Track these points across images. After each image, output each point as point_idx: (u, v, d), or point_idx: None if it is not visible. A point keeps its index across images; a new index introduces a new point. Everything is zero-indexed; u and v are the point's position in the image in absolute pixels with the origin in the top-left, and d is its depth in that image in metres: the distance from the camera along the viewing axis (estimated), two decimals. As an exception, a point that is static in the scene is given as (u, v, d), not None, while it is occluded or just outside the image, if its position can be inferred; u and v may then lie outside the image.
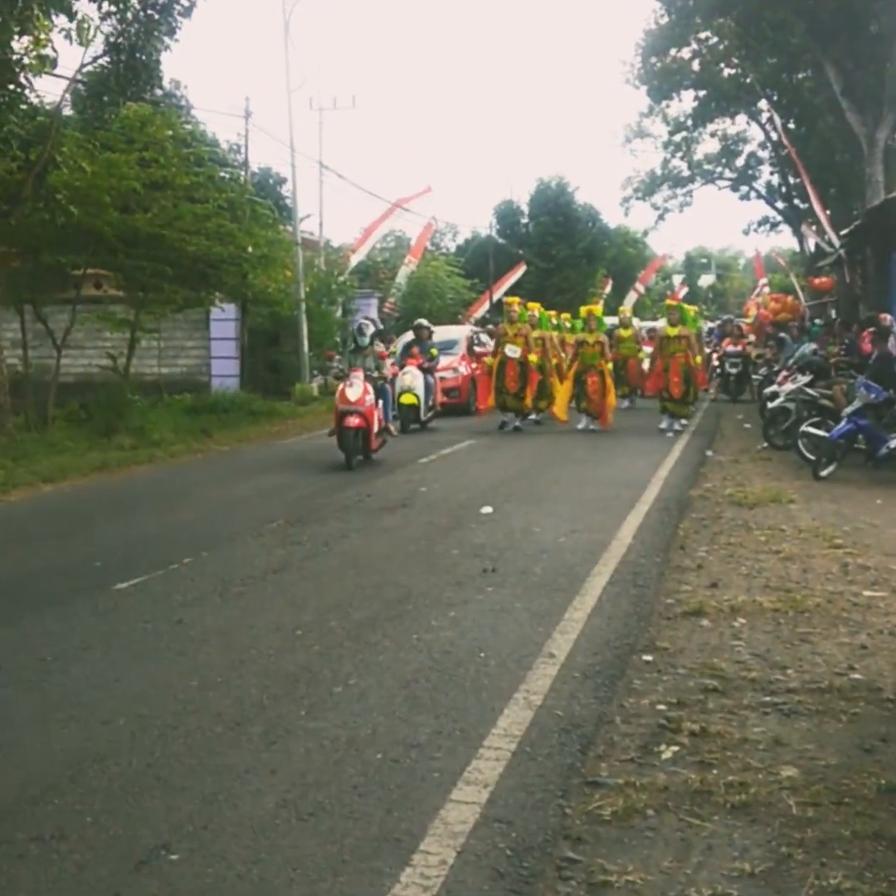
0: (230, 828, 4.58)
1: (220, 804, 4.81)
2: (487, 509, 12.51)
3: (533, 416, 24.66)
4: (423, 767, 5.15)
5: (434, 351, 24.81)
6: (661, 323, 29.60)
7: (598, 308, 24.62)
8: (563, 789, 4.90)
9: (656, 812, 4.65)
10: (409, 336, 26.47)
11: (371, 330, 18.86)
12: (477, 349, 29.37)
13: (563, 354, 25.49)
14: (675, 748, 5.34)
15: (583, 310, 24.76)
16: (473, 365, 27.69)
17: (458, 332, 30.89)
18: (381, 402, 17.80)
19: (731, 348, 31.14)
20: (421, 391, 23.54)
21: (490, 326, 34.09)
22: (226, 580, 9.28)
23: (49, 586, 9.20)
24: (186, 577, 9.53)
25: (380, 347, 18.75)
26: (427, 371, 23.91)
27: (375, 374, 17.82)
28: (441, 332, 28.53)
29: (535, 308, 25.18)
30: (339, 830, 4.53)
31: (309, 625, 7.77)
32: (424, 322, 26.17)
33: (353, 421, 16.60)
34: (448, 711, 5.93)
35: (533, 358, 23.36)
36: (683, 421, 22.58)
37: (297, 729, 5.69)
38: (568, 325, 27.69)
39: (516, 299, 24.82)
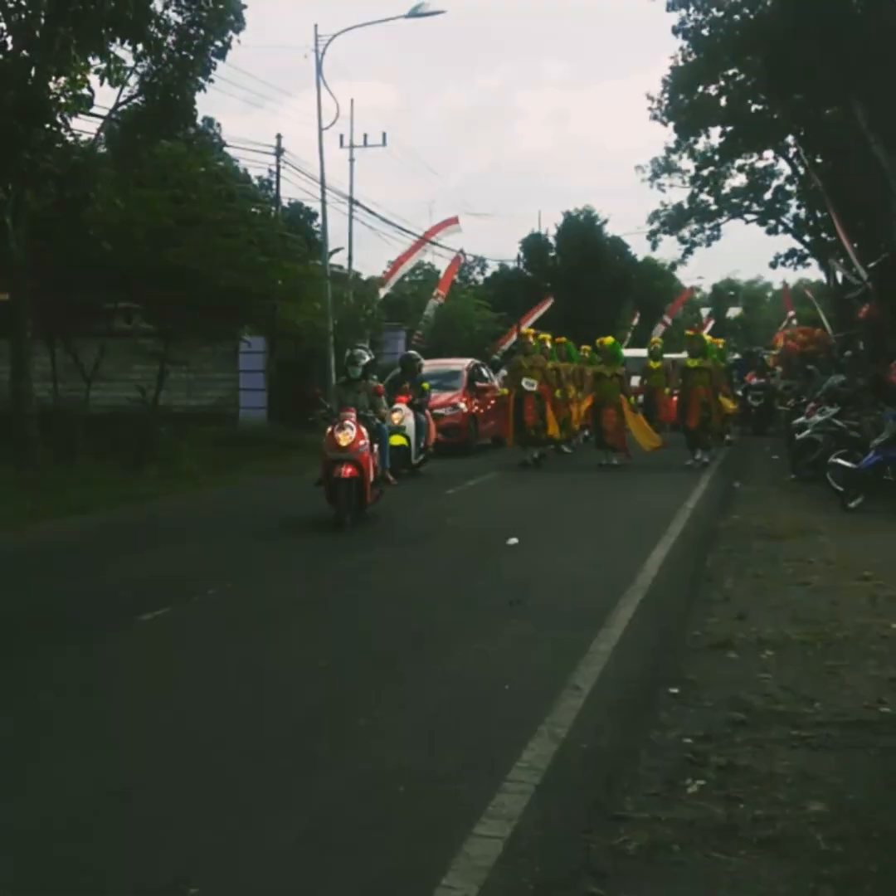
0: (251, 862, 4.54)
1: (242, 838, 4.77)
2: (513, 541, 12.43)
3: (564, 448, 24.67)
4: (446, 801, 5.11)
5: (425, 385, 23.01)
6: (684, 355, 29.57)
7: (611, 340, 24.14)
8: (588, 824, 4.84)
9: (682, 847, 4.58)
10: (397, 370, 23.93)
11: (365, 360, 16.02)
12: (478, 384, 27.80)
13: (572, 387, 25.65)
14: (702, 782, 5.28)
15: (599, 342, 24.36)
16: (475, 401, 26.62)
17: (458, 365, 28.72)
18: (376, 446, 15.17)
19: (754, 381, 30.99)
20: (411, 431, 20.97)
21: (495, 357, 34.49)
22: (250, 612, 9.28)
23: (74, 617, 9.20)
24: (211, 608, 9.55)
25: (375, 382, 16.40)
26: (418, 408, 21.75)
27: (370, 414, 15.24)
28: (438, 365, 27.80)
29: (547, 339, 24.99)
30: (361, 865, 4.49)
31: (333, 657, 7.75)
32: (415, 353, 24.55)
33: (346, 470, 13.83)
34: (472, 744, 5.89)
35: (557, 392, 23.53)
36: (706, 455, 21.92)
37: (320, 762, 5.65)
38: (585, 356, 27.69)
39: (531, 331, 24.82)
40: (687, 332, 25.73)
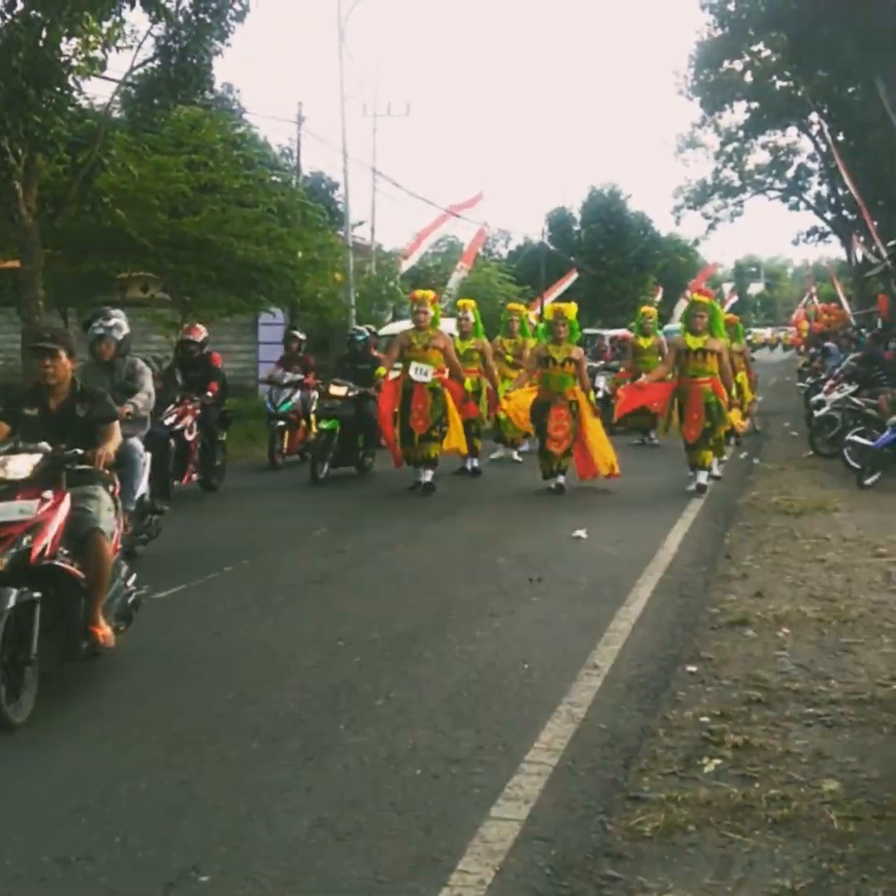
0: (263, 848, 4.52)
1: (254, 823, 4.75)
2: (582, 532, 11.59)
3: (515, 455, 18.53)
4: (463, 783, 5.12)
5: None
6: (677, 326, 22.26)
7: (571, 308, 15.53)
8: (605, 805, 4.87)
9: (698, 827, 4.60)
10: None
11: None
12: None
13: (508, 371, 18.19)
14: (718, 761, 5.30)
15: (548, 309, 16.49)
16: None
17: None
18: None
19: None
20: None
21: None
22: (266, 590, 9.27)
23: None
24: (226, 586, 9.53)
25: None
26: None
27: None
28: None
29: (470, 306, 18.16)
30: (376, 850, 4.48)
31: (350, 636, 7.72)
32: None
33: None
34: (490, 725, 5.90)
35: (469, 384, 16.40)
36: (709, 474, 14.88)
37: (336, 744, 5.66)
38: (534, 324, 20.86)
39: (430, 293, 16.42)
40: (691, 296, 16.68)
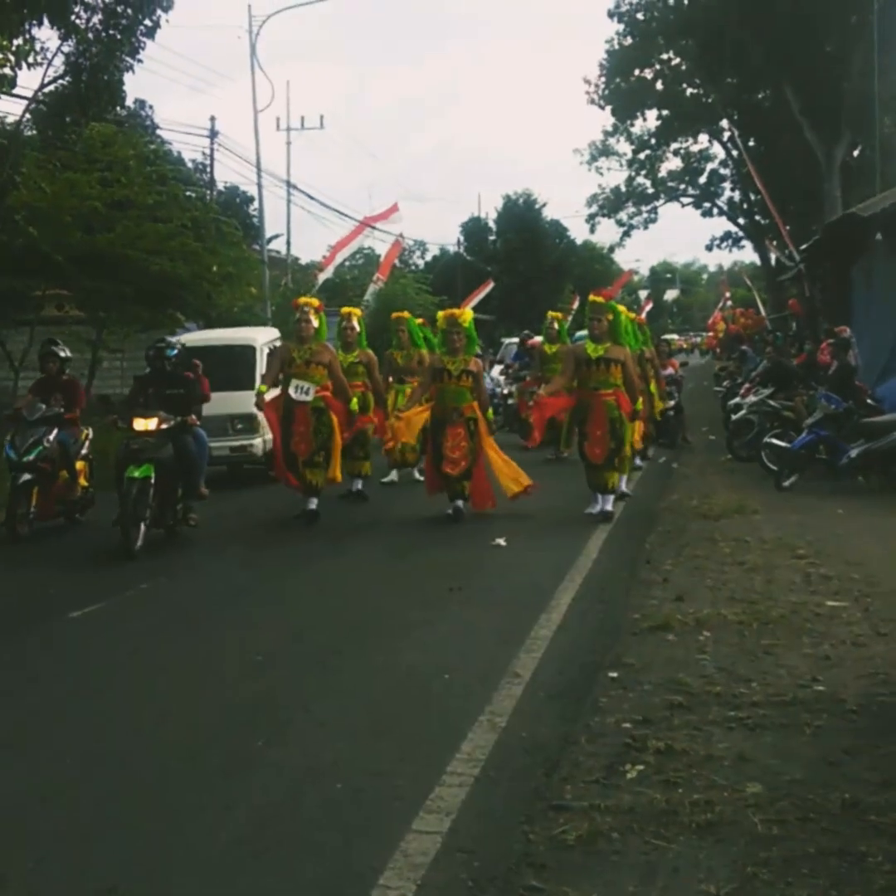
0: (182, 867, 4.45)
1: (173, 843, 4.67)
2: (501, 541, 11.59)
3: (416, 472, 16.45)
4: (384, 796, 5.05)
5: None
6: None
7: (465, 314, 14.09)
8: (527, 814, 4.81)
9: (621, 835, 4.56)
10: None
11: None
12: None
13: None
14: (641, 767, 5.26)
15: (440, 316, 14.14)
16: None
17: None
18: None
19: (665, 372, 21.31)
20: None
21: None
22: (184, 606, 9.19)
23: (-1, 616, 9.01)
24: (144, 603, 9.43)
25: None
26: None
27: None
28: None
29: (356, 314, 16.55)
30: (297, 866, 4.42)
31: (269, 650, 7.66)
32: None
33: None
34: (411, 736, 5.85)
35: (354, 404, 14.25)
36: (612, 499, 13.14)
37: (256, 760, 5.58)
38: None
39: (314, 300, 14.67)
40: (591, 298, 13.77)
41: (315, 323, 13.64)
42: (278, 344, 16.63)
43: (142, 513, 11.57)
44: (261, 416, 15.30)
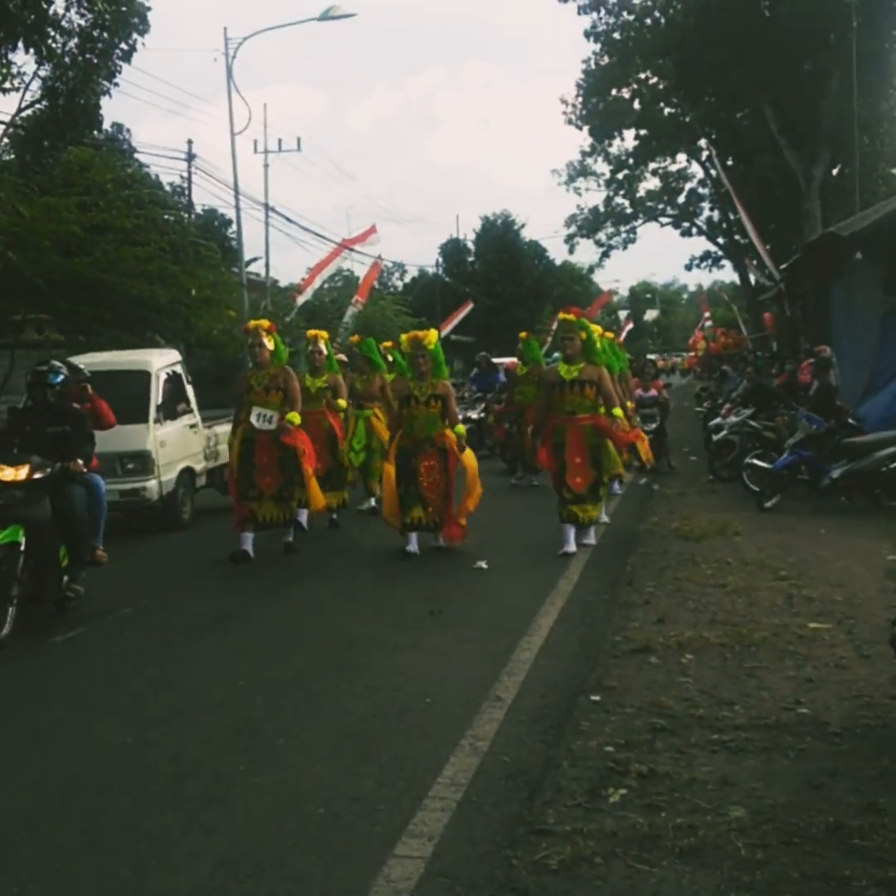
0: (165, 892, 4.44)
1: (155, 868, 4.66)
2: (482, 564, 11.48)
3: (373, 501, 15.78)
4: (366, 821, 5.03)
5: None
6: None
7: (430, 335, 13.01)
8: (510, 839, 4.80)
9: (604, 859, 4.55)
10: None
11: None
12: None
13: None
14: (623, 791, 5.25)
15: (404, 339, 13.49)
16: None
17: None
18: None
19: (641, 393, 20.90)
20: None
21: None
22: (166, 630, 9.15)
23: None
24: (125, 628, 9.39)
25: None
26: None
27: None
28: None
29: (322, 337, 15.85)
30: (279, 891, 4.40)
31: (251, 675, 7.64)
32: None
33: None
34: (393, 761, 5.82)
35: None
36: (590, 532, 12.57)
37: (237, 785, 5.56)
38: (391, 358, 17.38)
39: (265, 322, 13.68)
40: (561, 316, 13.01)
41: (269, 345, 12.78)
42: (178, 369, 16.15)
43: (6, 590, 8.95)
44: (155, 453, 14.54)
